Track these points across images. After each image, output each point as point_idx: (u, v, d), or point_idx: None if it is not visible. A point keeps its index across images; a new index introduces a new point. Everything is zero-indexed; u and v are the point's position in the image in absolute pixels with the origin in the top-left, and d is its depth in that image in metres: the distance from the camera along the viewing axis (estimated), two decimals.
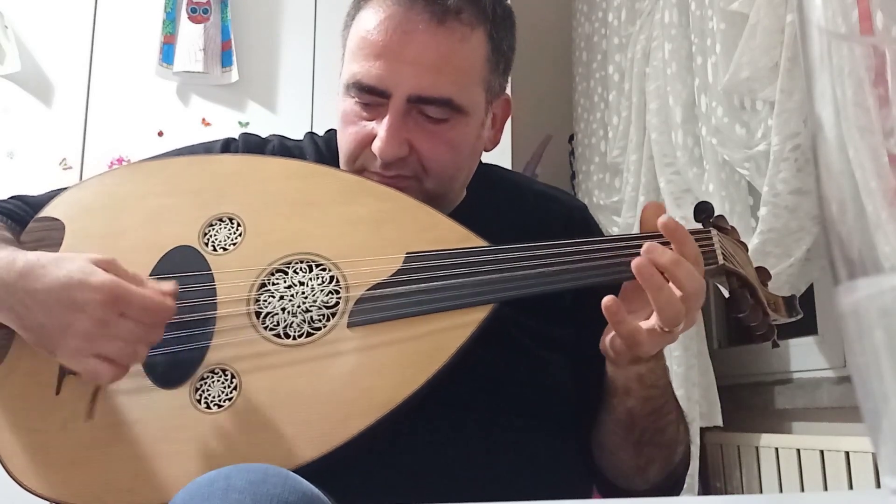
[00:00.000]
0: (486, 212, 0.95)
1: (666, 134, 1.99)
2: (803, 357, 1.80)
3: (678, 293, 0.75)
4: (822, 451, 1.55)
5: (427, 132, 0.87)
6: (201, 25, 2.16)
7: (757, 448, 1.77)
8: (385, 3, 0.86)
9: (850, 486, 1.45)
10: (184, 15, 2.17)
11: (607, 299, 0.75)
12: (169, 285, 0.76)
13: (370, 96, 0.86)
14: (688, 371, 1.87)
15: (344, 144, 0.90)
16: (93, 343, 0.71)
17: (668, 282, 0.76)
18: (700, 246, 0.82)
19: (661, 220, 0.79)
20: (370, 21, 0.86)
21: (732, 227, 0.92)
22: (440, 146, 0.87)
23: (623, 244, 0.83)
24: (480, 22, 0.87)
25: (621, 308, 0.76)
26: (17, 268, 0.74)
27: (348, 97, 0.89)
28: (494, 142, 0.97)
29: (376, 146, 0.85)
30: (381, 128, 0.85)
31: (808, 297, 1.69)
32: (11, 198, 0.92)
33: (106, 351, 0.72)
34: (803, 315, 0.91)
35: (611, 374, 0.83)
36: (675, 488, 0.91)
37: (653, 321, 0.77)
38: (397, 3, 0.85)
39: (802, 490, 1.61)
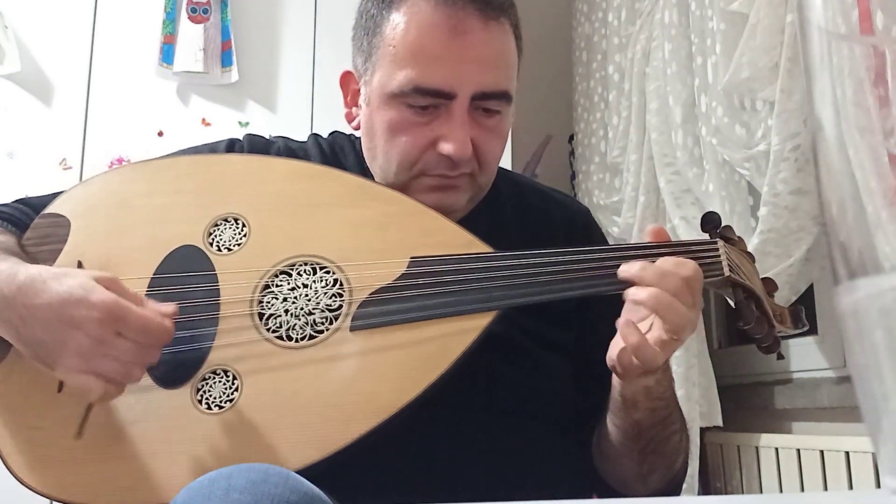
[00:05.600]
0: (488, 212, 0.95)
1: (666, 134, 1.99)
2: (803, 357, 1.80)
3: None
4: (822, 451, 1.55)
5: (484, 127, 0.88)
6: (201, 25, 2.16)
7: (757, 448, 1.77)
8: (426, 5, 0.85)
9: (850, 486, 1.44)
10: (184, 15, 2.17)
11: (623, 324, 0.76)
12: (169, 307, 0.75)
13: (432, 99, 0.85)
14: (688, 371, 1.87)
15: (397, 153, 0.87)
16: (89, 361, 0.71)
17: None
18: (706, 257, 0.83)
19: (650, 276, 0.77)
20: (415, 25, 0.85)
21: (739, 238, 0.92)
22: (494, 139, 0.89)
23: (629, 253, 0.82)
24: (512, 14, 0.90)
25: (639, 333, 0.76)
26: (17, 281, 0.74)
27: (397, 104, 0.86)
28: None
29: (449, 148, 0.85)
30: (450, 129, 0.85)
31: (808, 297, 1.69)
32: (13, 202, 0.91)
33: (101, 369, 0.71)
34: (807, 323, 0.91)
35: (619, 389, 0.82)
36: (673, 493, 0.91)
37: (659, 332, 0.76)
38: (443, 3, 0.84)
39: (802, 490, 1.61)
